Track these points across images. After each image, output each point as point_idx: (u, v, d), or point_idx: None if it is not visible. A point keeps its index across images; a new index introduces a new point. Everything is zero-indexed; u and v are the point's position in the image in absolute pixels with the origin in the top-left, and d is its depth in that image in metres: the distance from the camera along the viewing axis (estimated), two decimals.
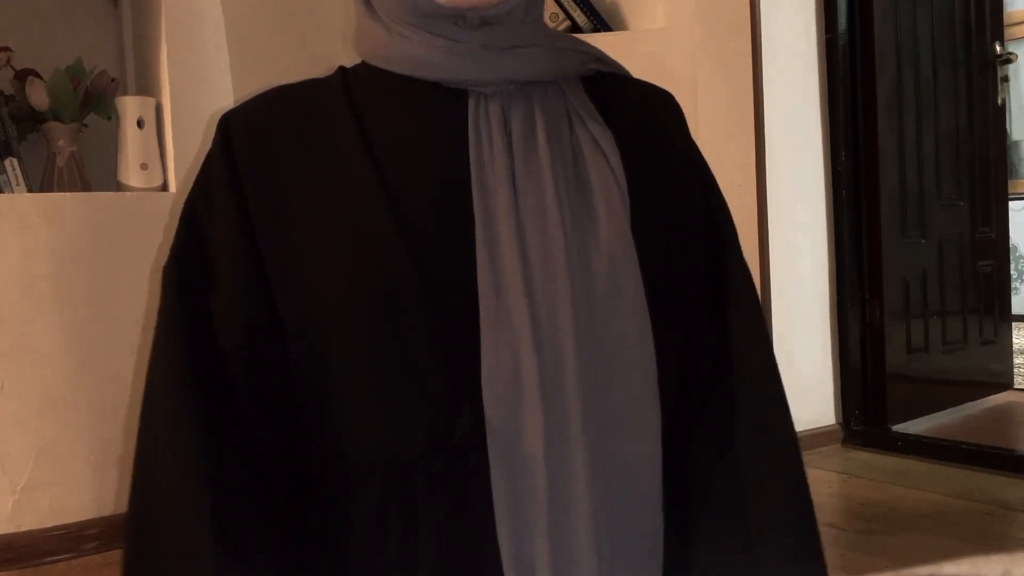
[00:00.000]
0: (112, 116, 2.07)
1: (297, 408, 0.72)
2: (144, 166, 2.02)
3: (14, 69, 2.02)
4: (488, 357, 0.66)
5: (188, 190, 0.77)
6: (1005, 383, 3.04)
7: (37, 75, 2.00)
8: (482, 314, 0.66)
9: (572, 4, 2.26)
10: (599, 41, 0.78)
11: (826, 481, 2.27)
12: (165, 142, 2.06)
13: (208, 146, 0.75)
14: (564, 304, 0.66)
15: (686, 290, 0.76)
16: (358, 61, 0.78)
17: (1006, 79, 3.03)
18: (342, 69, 0.78)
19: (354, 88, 0.75)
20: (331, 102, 0.74)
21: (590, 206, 0.70)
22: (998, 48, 2.98)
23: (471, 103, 0.71)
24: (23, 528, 1.82)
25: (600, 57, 0.78)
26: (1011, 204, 3.22)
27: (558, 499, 0.66)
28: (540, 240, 0.67)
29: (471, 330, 0.66)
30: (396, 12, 0.73)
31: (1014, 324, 3.24)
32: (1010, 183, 3.45)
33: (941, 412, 2.78)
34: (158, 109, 2.07)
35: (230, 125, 0.74)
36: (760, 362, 0.77)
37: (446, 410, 0.67)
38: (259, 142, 0.73)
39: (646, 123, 0.78)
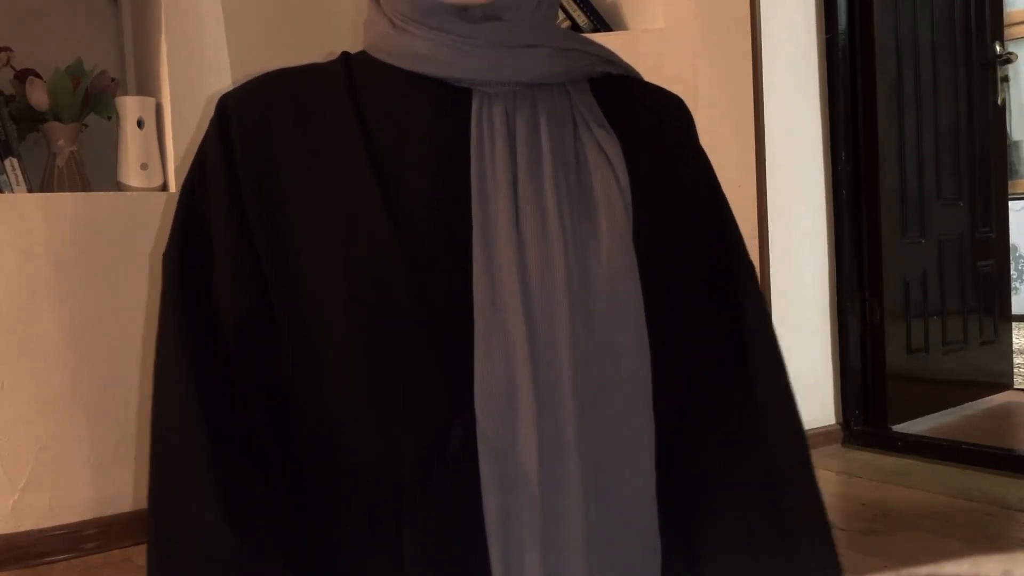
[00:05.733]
0: (112, 116, 2.07)
1: (290, 400, 0.71)
2: (144, 166, 2.02)
3: (14, 69, 2.02)
4: (482, 368, 0.64)
5: None
6: (1005, 383, 3.04)
7: (37, 75, 2.00)
8: (477, 325, 0.65)
9: (572, 4, 2.26)
10: (599, 41, 0.77)
11: (826, 481, 2.27)
12: (165, 142, 2.06)
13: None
14: (561, 316, 0.65)
15: (688, 305, 0.75)
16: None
17: (1006, 79, 3.03)
18: (346, 55, 0.76)
19: (357, 78, 0.73)
20: (332, 91, 0.72)
21: (592, 217, 0.68)
22: (998, 48, 2.97)
23: (475, 104, 0.69)
24: (23, 528, 1.82)
25: (610, 59, 0.76)
26: (1011, 204, 3.22)
27: (551, 514, 0.64)
28: (539, 251, 0.66)
29: (466, 341, 0.65)
30: (399, 7, 0.71)
31: (1014, 324, 3.24)
32: (1010, 183, 3.46)
33: (941, 412, 2.78)
34: (158, 109, 2.06)
35: (227, 109, 0.72)
36: (777, 387, 0.76)
37: (438, 422, 0.65)
38: (256, 128, 0.71)
39: (653, 129, 0.77)
